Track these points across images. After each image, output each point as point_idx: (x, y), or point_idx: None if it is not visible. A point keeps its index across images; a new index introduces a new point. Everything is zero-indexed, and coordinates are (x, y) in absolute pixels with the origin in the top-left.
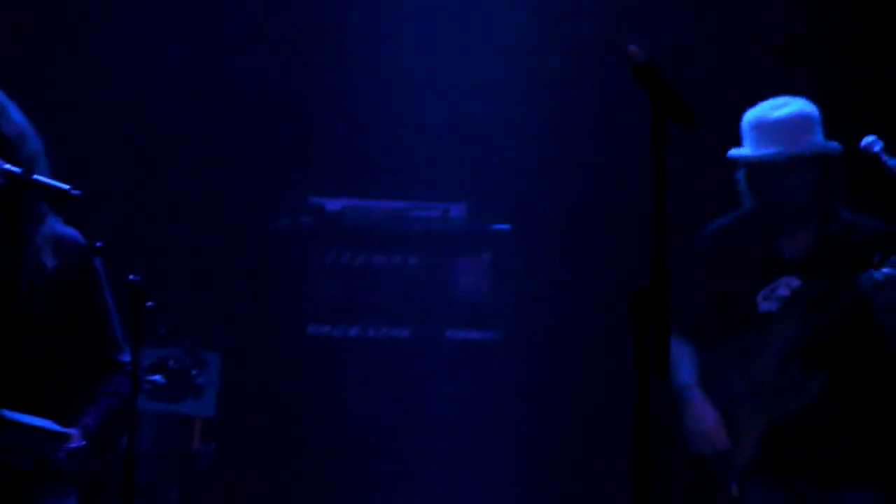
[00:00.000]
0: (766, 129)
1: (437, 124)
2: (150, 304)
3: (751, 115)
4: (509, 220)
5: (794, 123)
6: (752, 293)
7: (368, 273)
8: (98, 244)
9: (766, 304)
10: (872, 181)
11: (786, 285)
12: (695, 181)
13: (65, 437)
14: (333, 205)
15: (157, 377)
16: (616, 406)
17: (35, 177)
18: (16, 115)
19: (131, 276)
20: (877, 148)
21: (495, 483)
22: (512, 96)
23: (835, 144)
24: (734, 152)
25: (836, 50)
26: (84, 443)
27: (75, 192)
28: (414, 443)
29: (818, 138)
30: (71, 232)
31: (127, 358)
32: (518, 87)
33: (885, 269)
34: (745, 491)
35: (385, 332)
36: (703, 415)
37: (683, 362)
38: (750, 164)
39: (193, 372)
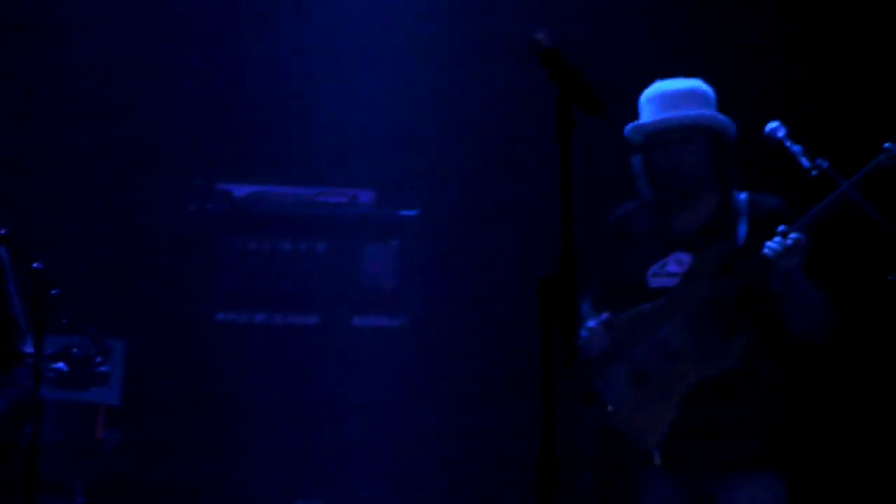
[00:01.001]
0: (661, 99)
1: (345, 111)
2: (54, 291)
3: (647, 91)
4: (417, 206)
5: (687, 95)
6: (644, 270)
7: (276, 259)
8: (2, 232)
9: (656, 280)
10: (775, 167)
11: (676, 261)
12: (605, 170)
13: None
14: (241, 191)
15: (61, 365)
16: (523, 393)
17: None
18: None
19: (35, 264)
20: (780, 133)
21: (402, 469)
22: (419, 84)
23: (727, 119)
24: (630, 126)
25: (746, 47)
26: None
27: None
28: (321, 429)
29: (711, 111)
30: None
31: (30, 349)
32: (426, 75)
33: (792, 235)
34: (660, 480)
35: (292, 318)
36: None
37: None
38: (645, 137)
39: (98, 360)
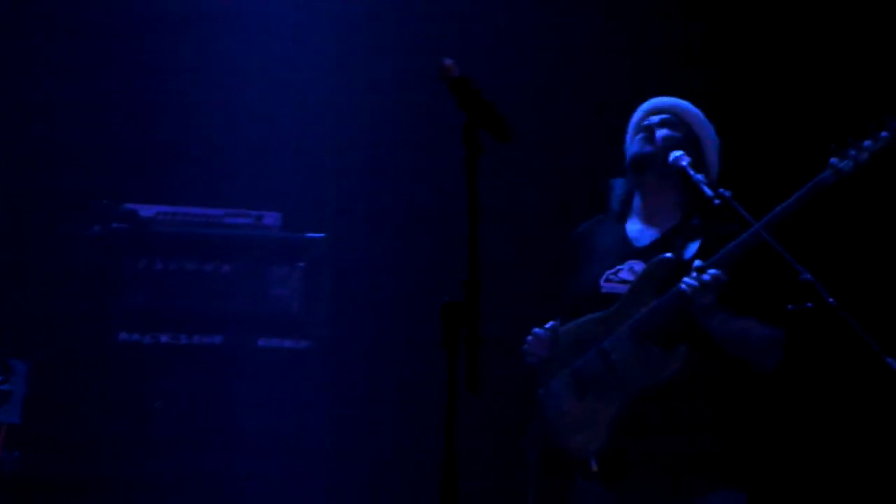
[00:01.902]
0: (659, 101)
1: (253, 132)
2: None
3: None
4: (323, 228)
5: (685, 104)
6: (599, 277)
7: (181, 280)
8: None
9: (607, 286)
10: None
11: (629, 269)
12: (522, 190)
13: None
14: (146, 211)
15: None
16: (427, 416)
17: None
18: None
19: None
20: (683, 163)
21: (306, 492)
22: (326, 106)
23: (714, 138)
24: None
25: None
26: None
27: None
28: (224, 451)
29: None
30: None
31: None
32: (332, 97)
33: (710, 271)
34: (597, 490)
35: (197, 339)
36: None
37: None
38: (633, 131)
39: None
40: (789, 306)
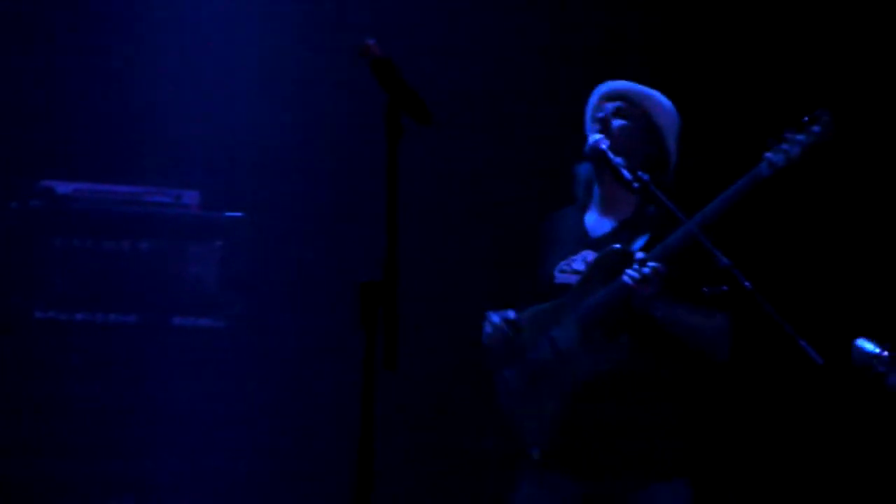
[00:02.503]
0: (613, 86)
1: (172, 110)
2: None
3: None
4: (242, 207)
5: (640, 89)
6: (555, 266)
7: (98, 257)
8: None
9: (561, 276)
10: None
11: (582, 259)
12: (449, 175)
13: None
14: (64, 188)
15: None
16: (344, 395)
17: None
18: None
19: None
20: (603, 146)
21: (218, 469)
22: (248, 85)
23: (674, 123)
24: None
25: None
26: None
27: None
28: (139, 429)
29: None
30: None
31: None
32: (254, 76)
33: (650, 264)
34: (542, 477)
35: (113, 317)
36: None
37: None
38: (596, 106)
39: None
40: (705, 289)
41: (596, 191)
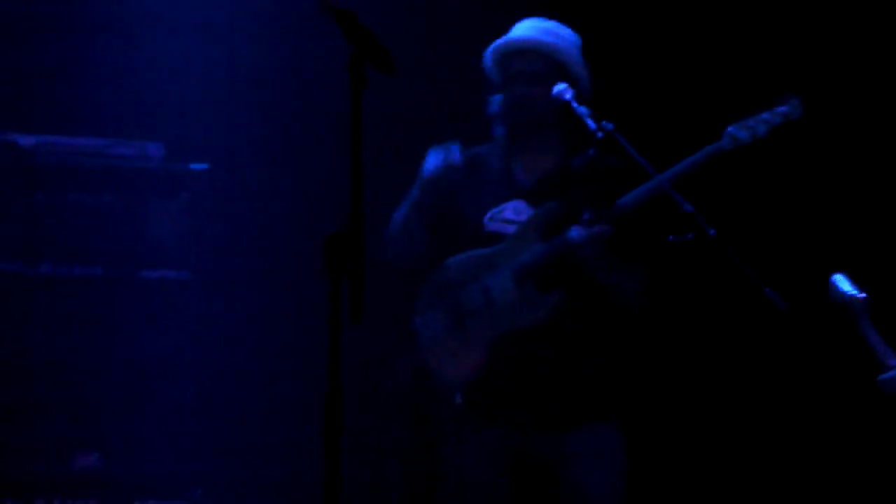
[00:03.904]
0: (526, 24)
1: (135, 62)
2: None
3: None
4: (207, 159)
5: (552, 27)
6: (483, 214)
7: (62, 210)
8: None
9: (491, 225)
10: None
11: (513, 209)
12: (402, 127)
13: None
14: (26, 141)
15: None
16: (312, 349)
17: None
18: None
19: None
20: (567, 96)
21: (185, 422)
22: (211, 37)
23: (583, 68)
24: (492, 46)
25: None
26: None
27: None
28: (106, 383)
29: (572, 52)
30: None
31: None
32: (217, 28)
33: (583, 229)
34: (467, 427)
35: (77, 270)
36: None
37: None
38: (502, 58)
39: None
40: (670, 237)
41: (519, 139)
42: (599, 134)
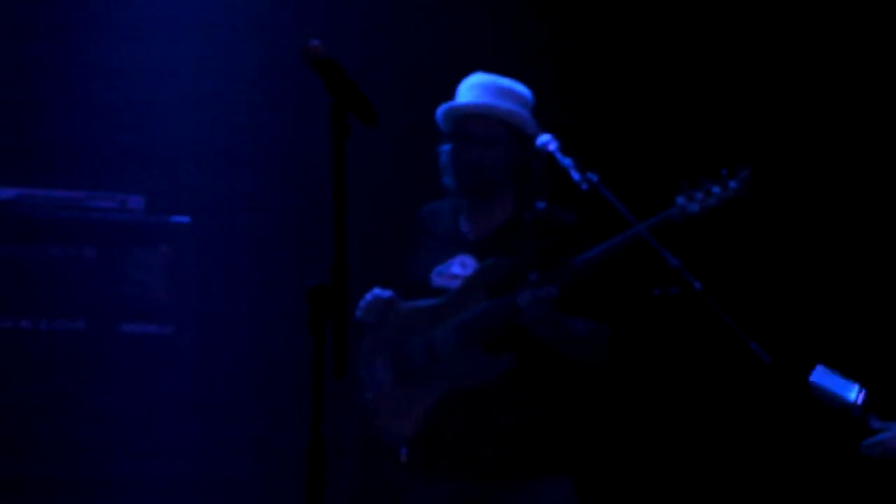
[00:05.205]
0: (481, 85)
1: (117, 114)
2: None
3: (469, 77)
4: (188, 212)
5: (509, 91)
6: (430, 269)
7: (43, 264)
8: None
9: (438, 280)
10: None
11: (460, 263)
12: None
13: None
14: (6, 193)
15: None
16: (293, 403)
17: None
18: None
19: None
20: (552, 147)
21: (169, 479)
22: (195, 89)
23: (536, 127)
24: (443, 106)
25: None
26: None
27: None
28: (87, 437)
29: (527, 113)
30: None
31: None
32: (200, 80)
33: (545, 288)
34: (414, 482)
35: (59, 324)
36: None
37: None
38: (454, 123)
39: None
40: (655, 291)
41: (472, 170)
42: (584, 185)
